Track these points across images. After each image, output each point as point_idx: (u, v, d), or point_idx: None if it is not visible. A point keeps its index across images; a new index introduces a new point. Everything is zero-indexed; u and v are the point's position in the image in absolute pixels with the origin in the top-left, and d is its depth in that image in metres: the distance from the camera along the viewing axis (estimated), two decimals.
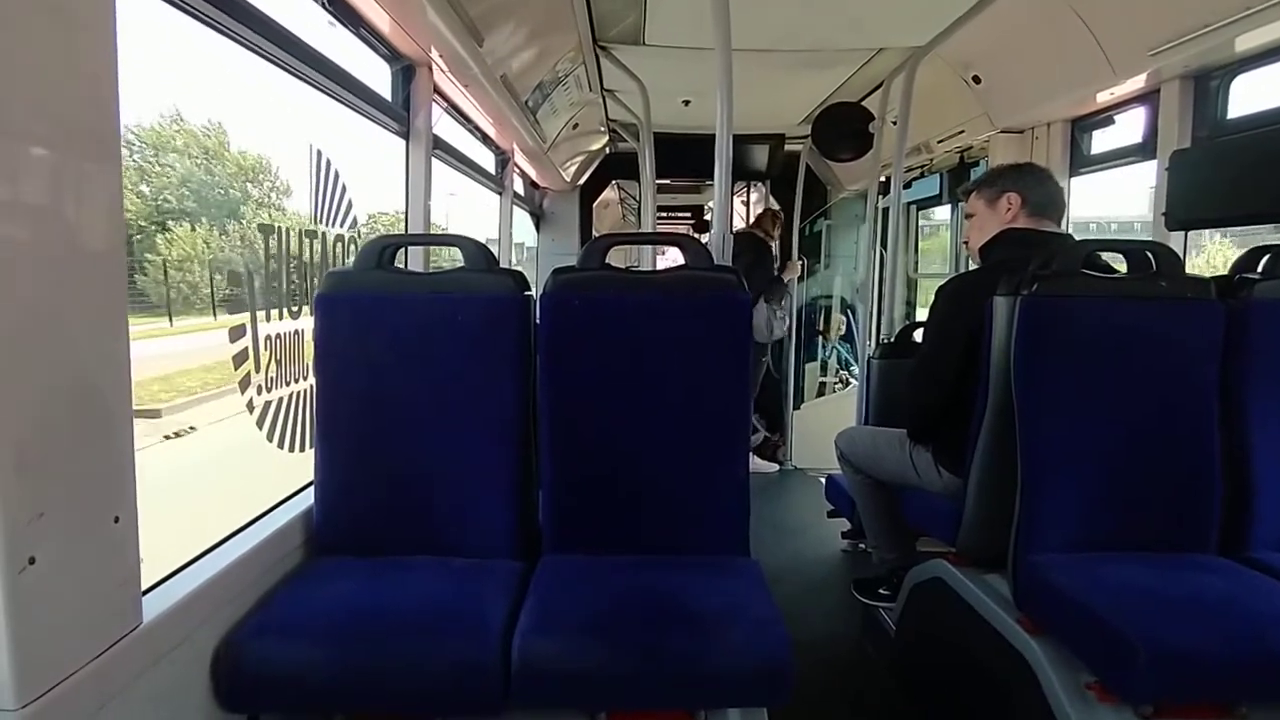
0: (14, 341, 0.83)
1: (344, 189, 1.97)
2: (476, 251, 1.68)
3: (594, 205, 5.50)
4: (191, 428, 2.27)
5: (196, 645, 1.21)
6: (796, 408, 4.75)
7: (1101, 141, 2.84)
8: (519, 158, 3.83)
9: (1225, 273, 1.84)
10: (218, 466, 2.31)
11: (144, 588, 1.10)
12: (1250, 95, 2.19)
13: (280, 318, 1.73)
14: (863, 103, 3.75)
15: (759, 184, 5.52)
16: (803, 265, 4.87)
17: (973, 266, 2.11)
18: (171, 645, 1.14)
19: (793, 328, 4.73)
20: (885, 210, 3.68)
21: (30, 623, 0.87)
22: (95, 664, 0.97)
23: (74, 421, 0.93)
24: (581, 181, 5.18)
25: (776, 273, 4.58)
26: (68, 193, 0.91)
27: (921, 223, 4.84)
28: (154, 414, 2.18)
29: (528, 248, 5.38)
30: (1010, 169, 2.06)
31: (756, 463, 4.45)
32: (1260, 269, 1.78)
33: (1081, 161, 2.89)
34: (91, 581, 0.97)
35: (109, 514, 0.99)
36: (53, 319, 0.89)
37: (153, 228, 1.92)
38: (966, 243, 2.12)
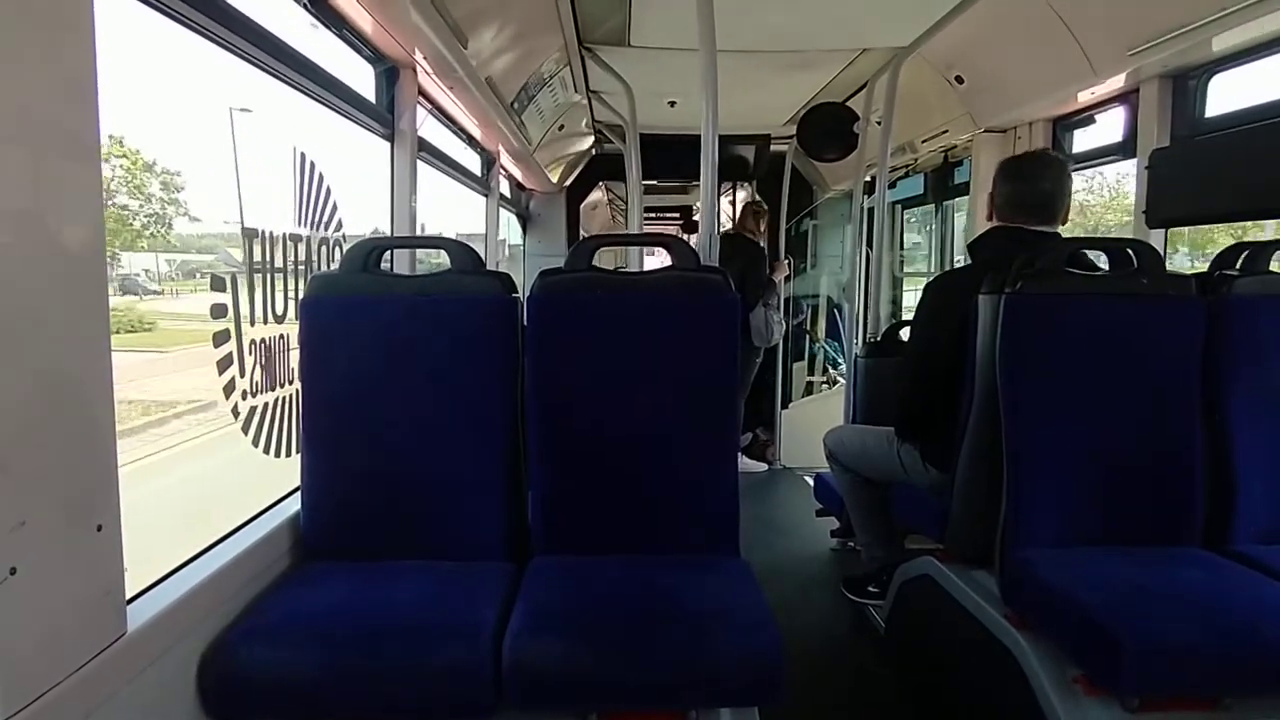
0: None
1: (328, 191, 1.95)
2: (463, 253, 1.67)
3: (582, 207, 5.49)
4: None
5: (183, 653, 1.20)
6: (784, 407, 4.77)
7: (1083, 141, 2.87)
8: (505, 159, 3.82)
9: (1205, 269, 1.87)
10: None
11: (129, 596, 1.09)
12: (1227, 94, 2.23)
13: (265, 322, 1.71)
14: (847, 103, 3.77)
15: (745, 184, 5.54)
16: (789, 264, 4.88)
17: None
18: (157, 654, 1.12)
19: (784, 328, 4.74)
20: (871, 210, 3.71)
21: (12, 633, 0.85)
22: (79, 674, 0.96)
23: (55, 428, 0.92)
24: (568, 183, 5.17)
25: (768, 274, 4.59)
26: (48, 195, 0.90)
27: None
28: None
29: (510, 245, 5.33)
30: (1001, 161, 2.02)
31: (745, 462, 4.46)
32: (1239, 265, 1.81)
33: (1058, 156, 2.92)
34: (74, 591, 0.96)
35: (92, 522, 0.98)
36: (32, 323, 0.88)
37: None
38: None
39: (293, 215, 1.79)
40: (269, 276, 1.71)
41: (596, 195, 6.69)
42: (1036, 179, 1.91)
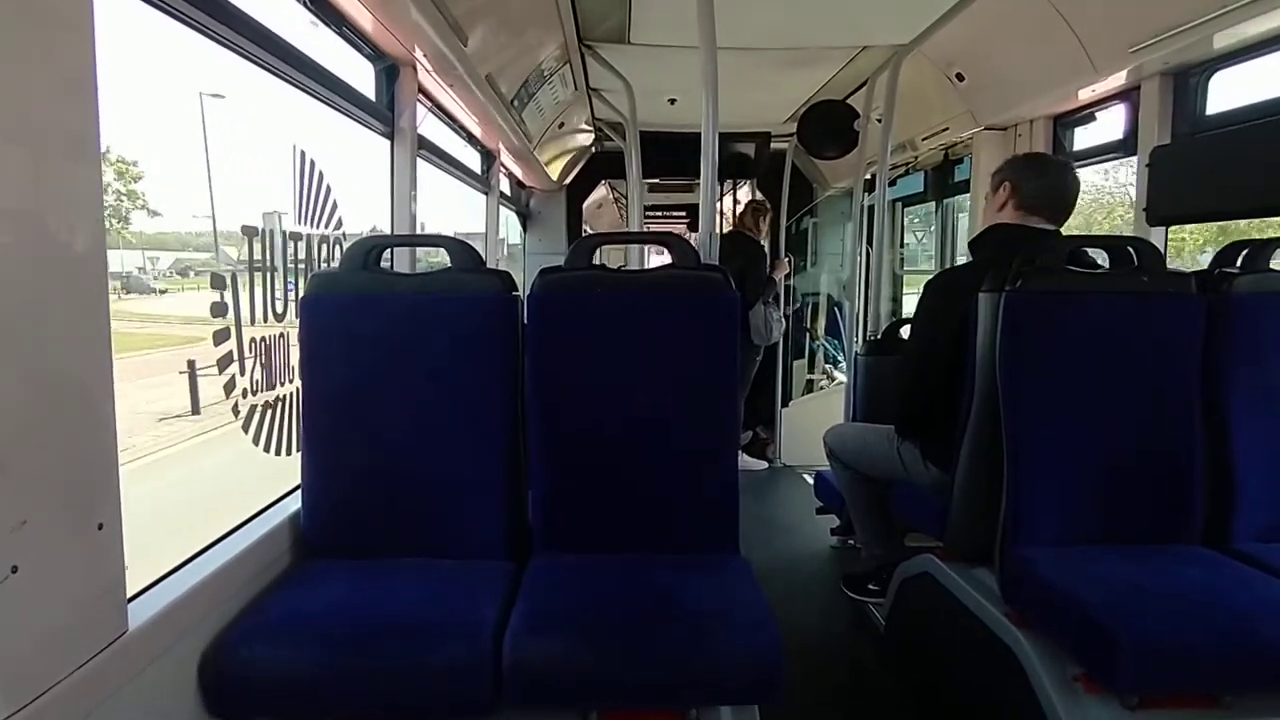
0: None
1: (328, 189, 1.95)
2: (463, 252, 1.67)
3: (585, 205, 5.47)
4: None
5: (183, 652, 1.20)
6: (784, 405, 4.77)
7: (1084, 138, 2.87)
8: (505, 157, 3.82)
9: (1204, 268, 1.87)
10: None
11: (129, 595, 1.09)
12: (1228, 91, 2.22)
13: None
14: (847, 101, 3.77)
15: (745, 182, 5.53)
16: (790, 263, 4.88)
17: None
18: (158, 652, 1.13)
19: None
20: (871, 208, 3.70)
21: (13, 632, 0.86)
22: (80, 672, 0.96)
23: (56, 427, 0.92)
24: (568, 181, 5.17)
25: (768, 272, 4.58)
26: (48, 194, 0.90)
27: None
28: None
29: (509, 245, 5.29)
30: (1020, 156, 2.04)
31: (745, 460, 4.46)
32: (1239, 263, 1.81)
33: (1064, 158, 2.92)
34: (75, 589, 0.96)
35: (93, 521, 0.98)
36: (33, 323, 0.88)
37: None
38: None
39: (281, 210, 1.77)
40: (268, 275, 1.70)
41: (601, 193, 6.67)
42: (1061, 176, 1.93)
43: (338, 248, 1.99)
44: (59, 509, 0.92)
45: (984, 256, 1.94)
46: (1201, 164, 2.18)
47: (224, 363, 1.59)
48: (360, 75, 2.10)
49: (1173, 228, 2.43)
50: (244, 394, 1.64)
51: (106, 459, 1.01)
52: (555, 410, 1.65)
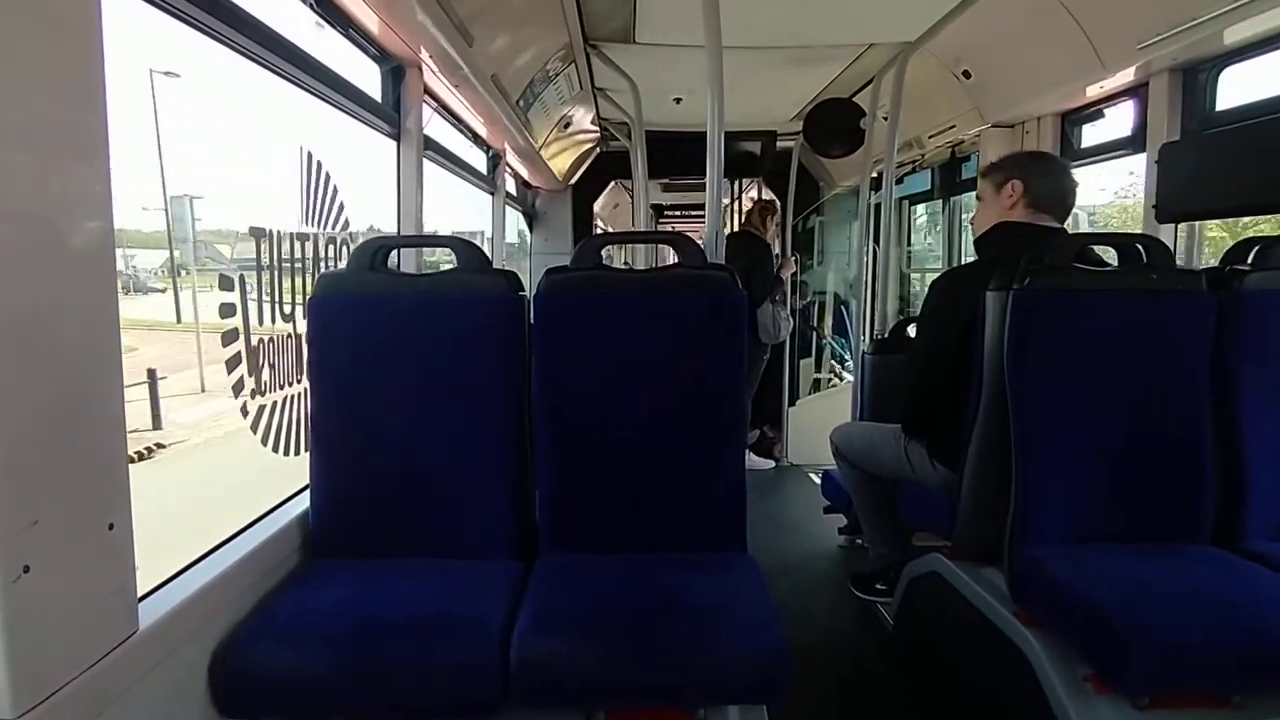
0: (2, 347, 0.83)
1: (335, 190, 1.95)
2: (469, 252, 1.67)
3: (599, 206, 5.45)
4: None
5: (193, 651, 1.21)
6: (792, 404, 4.76)
7: (1092, 135, 2.85)
8: (511, 157, 3.82)
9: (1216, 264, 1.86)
10: None
11: (140, 594, 1.10)
12: (1238, 88, 2.20)
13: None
14: (854, 99, 3.75)
15: (753, 181, 5.52)
16: (796, 261, 4.87)
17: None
18: (168, 651, 1.13)
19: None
20: (878, 206, 3.69)
21: (25, 631, 0.86)
22: (91, 671, 0.96)
23: (66, 427, 0.92)
24: (574, 181, 5.17)
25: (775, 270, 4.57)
26: (56, 195, 0.90)
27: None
28: None
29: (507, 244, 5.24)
30: (1022, 154, 2.05)
31: (752, 459, 4.45)
32: (1250, 260, 1.80)
33: (1072, 155, 2.90)
34: (86, 589, 0.97)
35: (103, 520, 0.98)
36: (42, 324, 0.88)
37: None
38: (974, 224, 2.11)
39: (195, 195, 1.73)
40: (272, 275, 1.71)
41: (615, 193, 6.65)
42: (1065, 176, 1.95)
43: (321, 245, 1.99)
44: (69, 509, 0.93)
45: (990, 255, 1.93)
46: (1211, 161, 2.16)
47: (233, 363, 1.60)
48: (366, 76, 2.11)
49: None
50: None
51: (116, 459, 1.02)
52: (562, 410, 1.66)
